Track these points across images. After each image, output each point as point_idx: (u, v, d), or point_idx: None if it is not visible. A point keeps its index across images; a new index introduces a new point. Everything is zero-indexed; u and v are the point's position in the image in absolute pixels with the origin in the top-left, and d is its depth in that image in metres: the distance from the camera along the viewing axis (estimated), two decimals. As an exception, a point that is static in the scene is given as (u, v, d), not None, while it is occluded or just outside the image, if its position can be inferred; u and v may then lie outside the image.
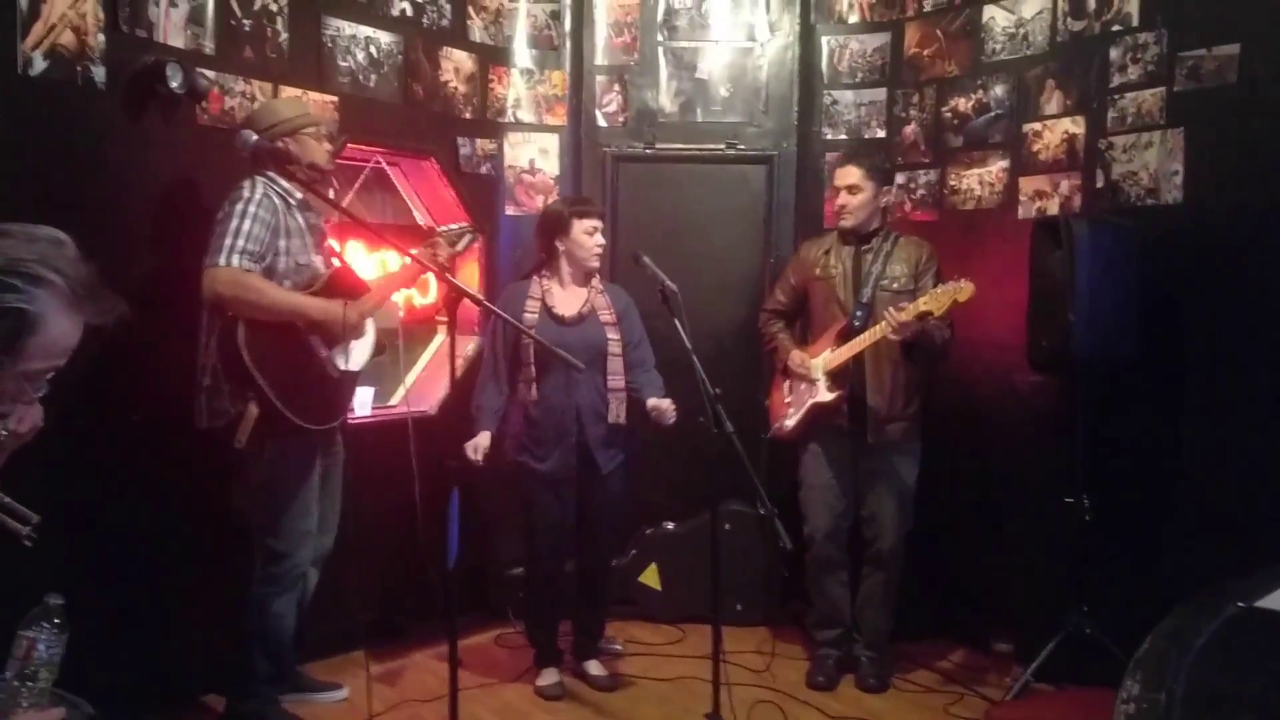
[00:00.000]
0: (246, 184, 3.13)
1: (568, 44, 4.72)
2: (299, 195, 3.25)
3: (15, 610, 1.74)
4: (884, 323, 3.62)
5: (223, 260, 2.99)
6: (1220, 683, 1.24)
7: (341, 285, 3.27)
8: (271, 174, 3.19)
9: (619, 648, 4.24)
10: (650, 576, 4.58)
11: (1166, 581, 3.48)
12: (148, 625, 3.35)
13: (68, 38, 3.10)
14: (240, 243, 3.01)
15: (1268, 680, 1.29)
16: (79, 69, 3.14)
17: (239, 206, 3.05)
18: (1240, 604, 1.54)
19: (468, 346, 4.39)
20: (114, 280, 1.69)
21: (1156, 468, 3.68)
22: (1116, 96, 3.83)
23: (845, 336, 3.80)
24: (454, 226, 3.80)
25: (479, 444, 3.67)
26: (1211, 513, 3.48)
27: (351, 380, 3.39)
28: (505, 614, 4.40)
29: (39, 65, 3.03)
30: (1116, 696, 1.18)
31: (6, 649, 1.73)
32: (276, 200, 3.14)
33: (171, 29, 3.39)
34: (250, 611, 3.24)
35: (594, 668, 3.94)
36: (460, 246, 3.73)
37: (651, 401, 3.73)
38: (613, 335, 3.77)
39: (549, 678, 3.87)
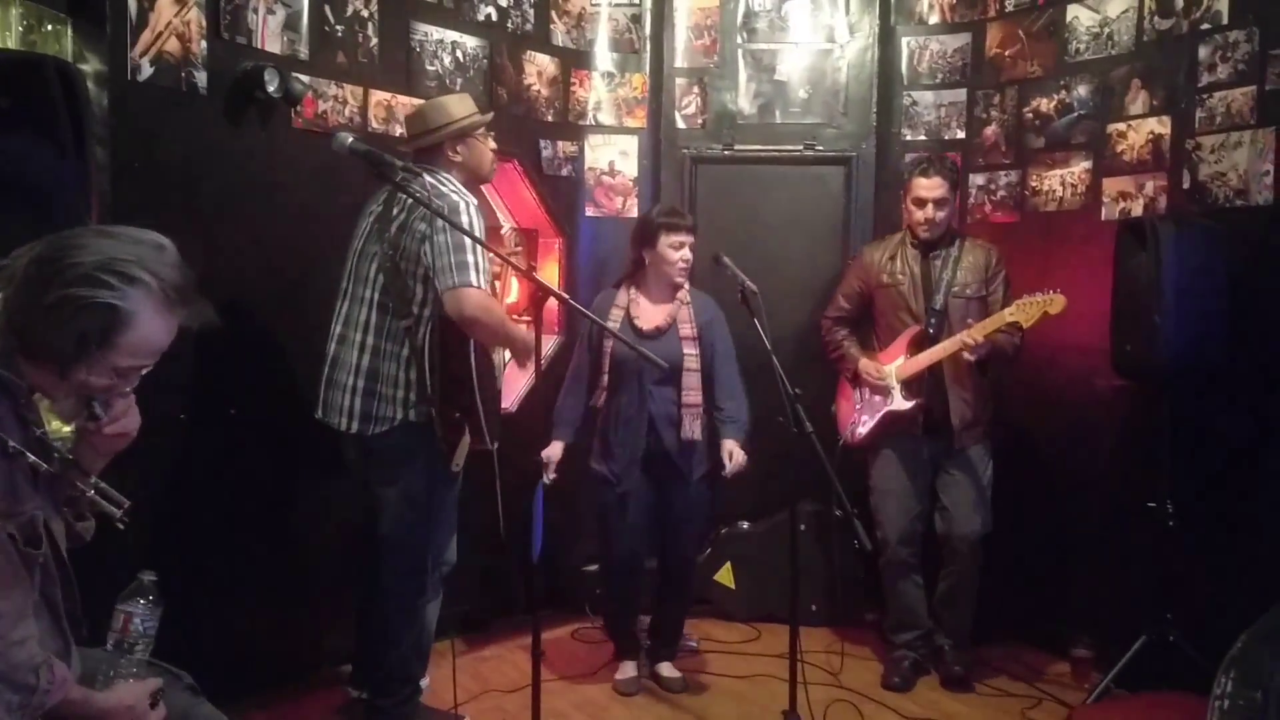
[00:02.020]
0: (450, 192, 3.03)
1: (648, 47, 4.77)
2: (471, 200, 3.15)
3: (116, 587, 1.84)
4: (957, 341, 3.64)
5: (474, 280, 2.91)
6: (1316, 682, 1.24)
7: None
8: (447, 175, 3.13)
9: (694, 645, 4.27)
10: (725, 575, 4.61)
11: (1251, 590, 3.42)
12: (246, 609, 3.46)
13: (173, 45, 3.22)
14: (481, 261, 2.94)
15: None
16: (183, 75, 3.27)
17: (464, 220, 2.96)
18: (1335, 607, 1.54)
19: (549, 345, 4.46)
20: (210, 277, 1.78)
21: (1243, 474, 3.62)
22: (1205, 96, 3.77)
23: (919, 345, 3.79)
24: (507, 227, 3.84)
25: (550, 456, 3.72)
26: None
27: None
28: (582, 609, 4.47)
29: (146, 71, 3.16)
30: (1210, 694, 1.19)
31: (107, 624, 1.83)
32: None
33: (269, 35, 3.51)
34: (402, 621, 3.20)
35: (666, 669, 3.97)
36: (518, 246, 3.77)
37: (728, 445, 3.74)
38: (690, 350, 3.73)
39: (627, 672, 3.92)
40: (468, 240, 2.93)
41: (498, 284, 3.72)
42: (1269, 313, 3.55)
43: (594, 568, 4.21)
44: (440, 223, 2.94)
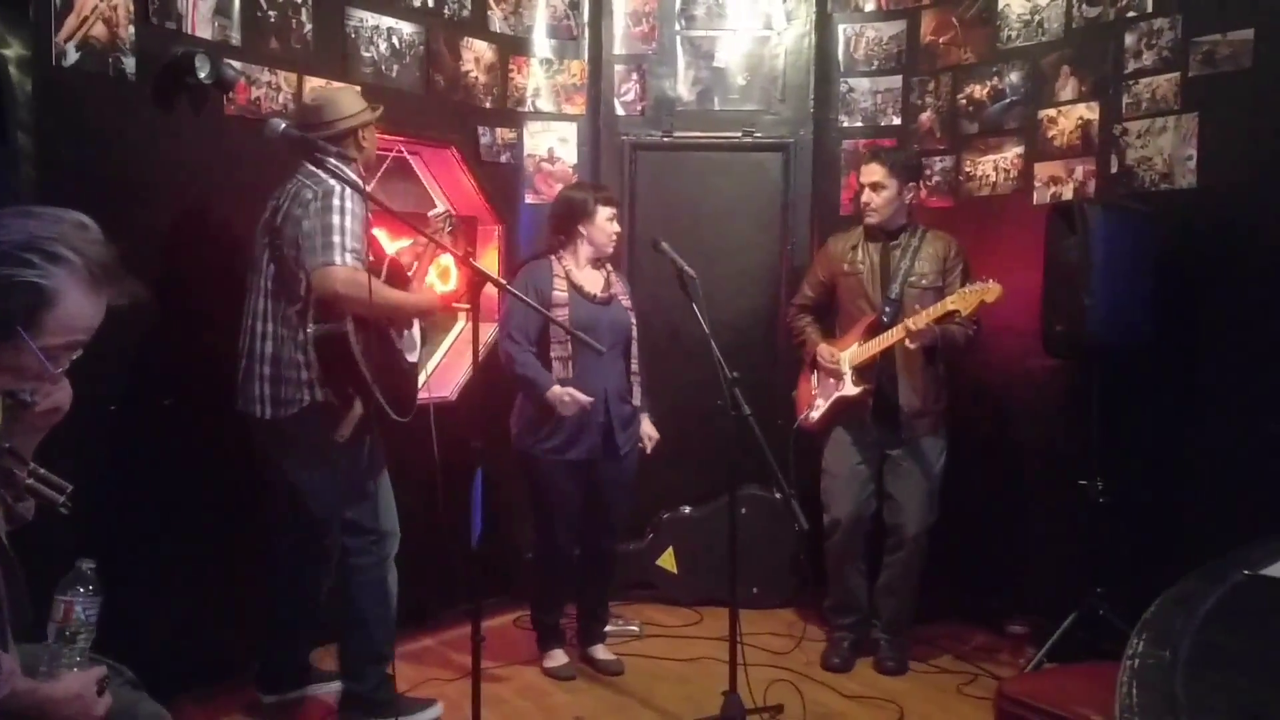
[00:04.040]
0: (328, 178, 3.08)
1: (586, 34, 4.76)
2: (367, 187, 3.27)
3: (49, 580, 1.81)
4: (901, 327, 3.68)
5: (338, 259, 2.96)
6: (1222, 642, 1.29)
7: (397, 274, 3.31)
8: (336, 164, 3.15)
9: (636, 629, 4.30)
10: (668, 560, 4.64)
11: (1179, 563, 3.50)
12: (182, 604, 3.40)
13: (99, 30, 3.16)
14: (349, 241, 2.99)
15: (1268, 641, 1.34)
16: (110, 60, 3.20)
17: (336, 203, 3.02)
18: (1246, 572, 1.60)
19: (487, 334, 4.45)
20: (142, 266, 1.76)
21: (1170, 450, 3.72)
22: (1131, 82, 3.86)
23: (873, 332, 3.84)
24: (439, 209, 3.83)
25: (565, 394, 3.63)
26: (1224, 495, 3.51)
27: (416, 371, 3.44)
28: (524, 597, 4.46)
29: (72, 57, 3.09)
30: (1123, 655, 1.23)
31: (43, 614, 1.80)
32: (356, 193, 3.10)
33: (199, 21, 3.45)
34: (364, 595, 3.26)
35: (601, 652, 4.00)
36: (447, 227, 3.74)
37: (646, 429, 3.94)
38: (633, 320, 3.85)
39: (558, 659, 3.93)
40: (336, 221, 3.00)
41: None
42: (1193, 292, 3.65)
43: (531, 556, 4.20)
44: (313, 207, 3.03)
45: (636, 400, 3.86)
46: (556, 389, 3.65)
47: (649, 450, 3.93)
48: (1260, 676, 1.22)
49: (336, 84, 3.57)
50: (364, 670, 3.28)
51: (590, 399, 3.66)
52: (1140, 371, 3.71)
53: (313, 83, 3.80)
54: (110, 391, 3.20)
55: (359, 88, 3.51)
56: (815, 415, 3.99)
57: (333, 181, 3.06)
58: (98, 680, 1.78)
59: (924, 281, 3.86)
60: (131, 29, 3.25)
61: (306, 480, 3.25)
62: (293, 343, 3.13)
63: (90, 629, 1.80)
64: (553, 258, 3.83)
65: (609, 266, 3.92)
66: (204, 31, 3.47)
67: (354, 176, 3.06)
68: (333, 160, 2.93)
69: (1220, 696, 1.14)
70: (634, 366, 3.85)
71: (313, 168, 3.12)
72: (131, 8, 3.25)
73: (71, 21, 3.09)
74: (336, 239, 2.99)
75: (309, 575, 3.42)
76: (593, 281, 3.83)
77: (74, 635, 1.78)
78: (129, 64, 3.26)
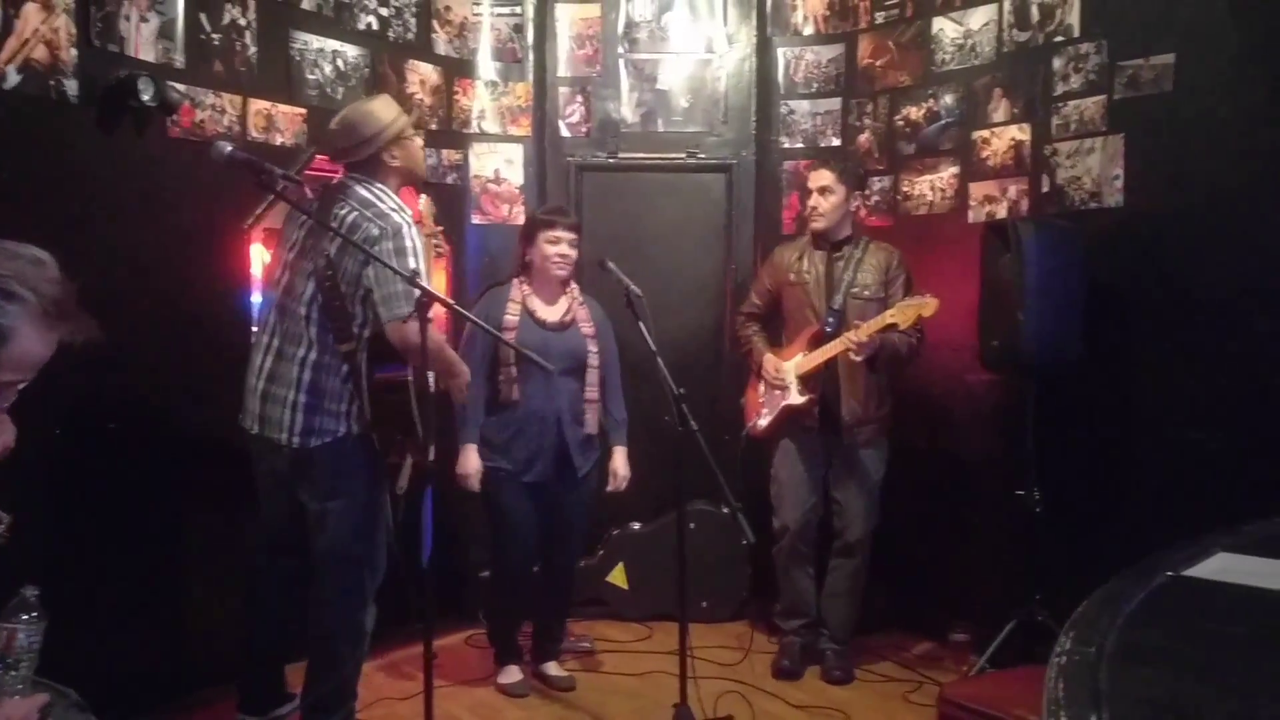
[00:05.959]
0: (389, 207, 3.04)
1: (531, 56, 4.80)
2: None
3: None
4: (844, 339, 3.75)
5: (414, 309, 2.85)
6: (1145, 638, 1.36)
7: None
8: (383, 186, 3.12)
9: (589, 645, 4.32)
10: (618, 576, 4.67)
11: (1115, 568, 3.61)
12: (130, 625, 3.39)
13: (41, 52, 3.15)
14: (426, 284, 2.90)
15: (1187, 636, 1.42)
16: (52, 83, 3.19)
17: (408, 244, 2.97)
18: (1169, 573, 1.68)
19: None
20: (85, 291, 1.76)
21: (1104, 461, 3.83)
22: (1060, 104, 3.98)
23: (817, 342, 3.91)
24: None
25: (474, 468, 3.73)
26: (1155, 501, 3.63)
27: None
28: (476, 616, 4.47)
29: (12, 79, 3.08)
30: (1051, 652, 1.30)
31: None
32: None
33: (142, 43, 3.45)
34: (348, 636, 3.19)
35: (553, 669, 4.02)
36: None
37: (616, 465, 3.96)
38: (592, 347, 3.85)
39: (512, 675, 3.94)
40: (412, 262, 2.95)
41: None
42: (1122, 307, 3.77)
43: (487, 574, 4.21)
44: (388, 245, 2.96)
45: (592, 427, 3.87)
46: (468, 463, 3.74)
47: (613, 487, 3.97)
48: (1179, 670, 1.29)
49: (375, 100, 3.32)
50: (333, 705, 3.20)
51: (476, 487, 3.75)
52: (1074, 384, 3.81)
53: (257, 105, 3.81)
54: (55, 416, 3.17)
55: (387, 96, 3.35)
56: (763, 423, 4.06)
57: (397, 217, 3.01)
58: (39, 707, 1.77)
59: (866, 292, 3.95)
60: (73, 51, 3.24)
61: (324, 509, 3.13)
62: (337, 373, 3.07)
63: (33, 655, 1.79)
64: (515, 281, 3.86)
65: (575, 294, 3.92)
66: (147, 54, 3.47)
67: (396, 202, 3.06)
68: (282, 186, 2.86)
69: (1140, 689, 1.21)
70: (588, 394, 3.84)
71: (365, 192, 3.07)
72: (73, 30, 3.24)
73: (12, 44, 3.08)
74: (415, 290, 2.89)
75: (294, 597, 3.32)
76: (550, 308, 3.84)
77: (16, 662, 1.77)
78: (71, 87, 3.24)
